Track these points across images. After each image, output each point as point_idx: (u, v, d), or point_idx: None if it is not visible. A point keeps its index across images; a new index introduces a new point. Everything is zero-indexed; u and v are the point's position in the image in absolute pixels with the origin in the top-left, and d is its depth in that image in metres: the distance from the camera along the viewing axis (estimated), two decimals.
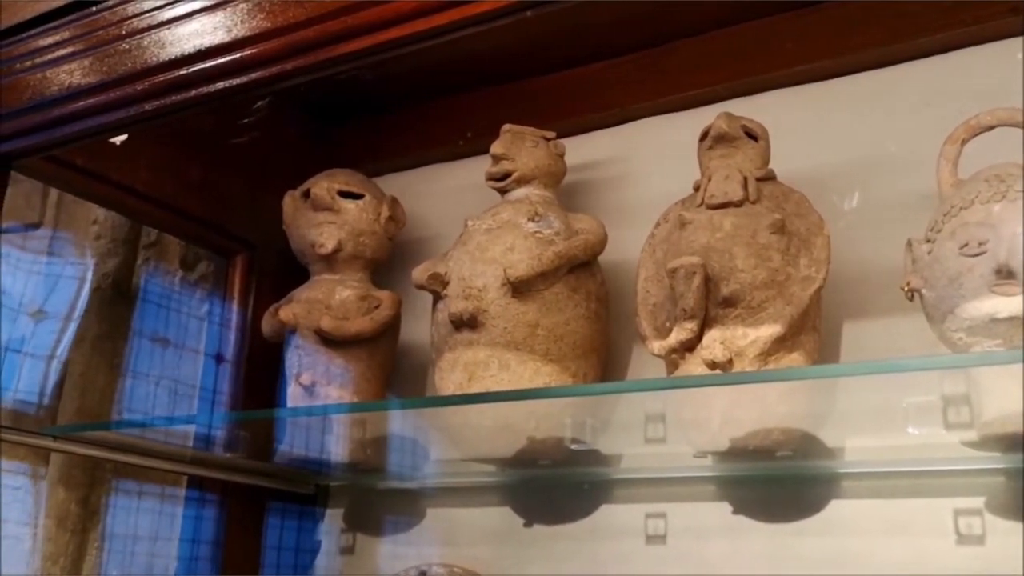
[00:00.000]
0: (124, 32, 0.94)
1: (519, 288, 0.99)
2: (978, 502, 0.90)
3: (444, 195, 1.36)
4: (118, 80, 0.95)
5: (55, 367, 1.31)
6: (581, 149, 1.24)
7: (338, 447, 1.26)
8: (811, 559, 0.97)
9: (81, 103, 0.96)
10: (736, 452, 0.95)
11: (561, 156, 1.13)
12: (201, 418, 1.24)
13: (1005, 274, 0.74)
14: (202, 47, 0.90)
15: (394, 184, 1.36)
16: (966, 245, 0.77)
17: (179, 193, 1.27)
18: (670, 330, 0.90)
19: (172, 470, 1.24)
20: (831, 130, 1.10)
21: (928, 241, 0.82)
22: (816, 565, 0.96)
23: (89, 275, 1.34)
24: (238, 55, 0.88)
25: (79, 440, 1.14)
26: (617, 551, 1.09)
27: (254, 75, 0.90)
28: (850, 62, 1.11)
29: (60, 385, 1.29)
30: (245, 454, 1.28)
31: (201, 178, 1.30)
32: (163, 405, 1.32)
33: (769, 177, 0.96)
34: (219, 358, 1.32)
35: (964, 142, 0.86)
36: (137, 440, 1.17)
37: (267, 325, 1.19)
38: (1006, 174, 0.79)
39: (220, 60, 0.90)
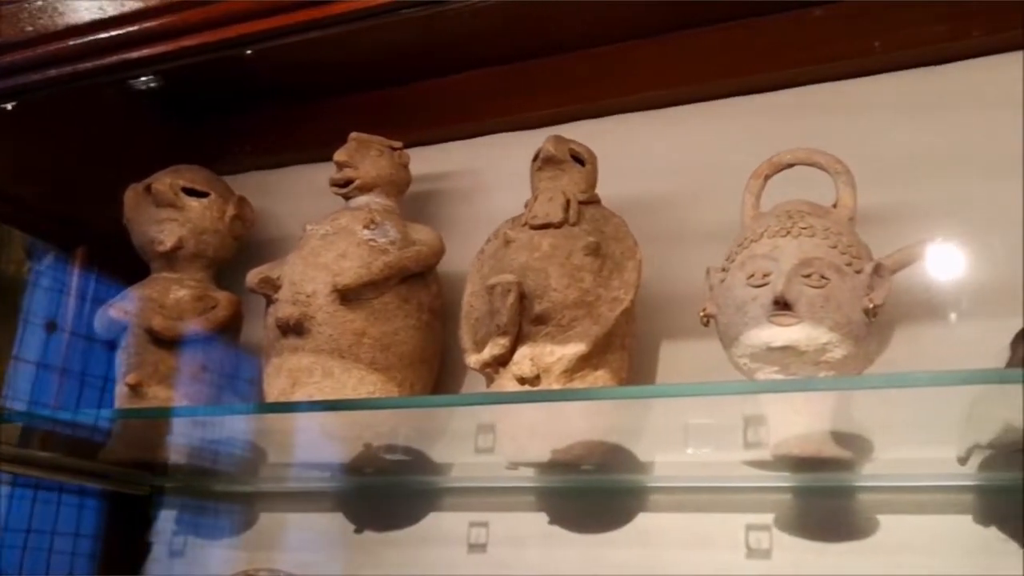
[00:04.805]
0: None
1: (346, 296, 0.99)
2: (767, 518, 0.95)
3: (306, 197, 1.35)
4: None
5: None
6: (435, 159, 1.26)
7: (172, 449, 1.24)
8: (618, 569, 1.01)
9: None
10: (552, 464, 0.98)
11: (405, 166, 1.14)
12: (20, 417, 1.20)
13: (782, 305, 0.78)
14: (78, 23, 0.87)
15: (255, 183, 1.36)
16: (752, 276, 0.81)
17: (19, 180, 1.23)
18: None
19: None
20: (668, 157, 1.14)
21: (723, 270, 0.86)
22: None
23: None
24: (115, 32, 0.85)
25: None
26: (441, 559, 1.11)
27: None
28: (692, 92, 1.16)
29: None
30: (75, 454, 1.25)
31: (44, 166, 1.26)
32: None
33: (593, 201, 1.00)
34: (51, 353, 1.28)
35: (767, 177, 0.91)
36: None
37: (99, 322, 1.16)
38: (795, 211, 0.84)
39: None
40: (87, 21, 0.86)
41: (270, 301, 1.05)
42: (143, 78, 0.93)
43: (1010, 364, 0.82)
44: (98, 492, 1.29)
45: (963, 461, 0.82)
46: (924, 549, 0.89)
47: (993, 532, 0.87)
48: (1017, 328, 0.84)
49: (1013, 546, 0.86)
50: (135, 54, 0.86)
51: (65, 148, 1.28)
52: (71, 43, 0.88)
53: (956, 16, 0.98)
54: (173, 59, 0.85)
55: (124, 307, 1.14)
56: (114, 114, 1.32)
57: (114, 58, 0.85)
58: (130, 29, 0.85)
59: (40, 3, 0.89)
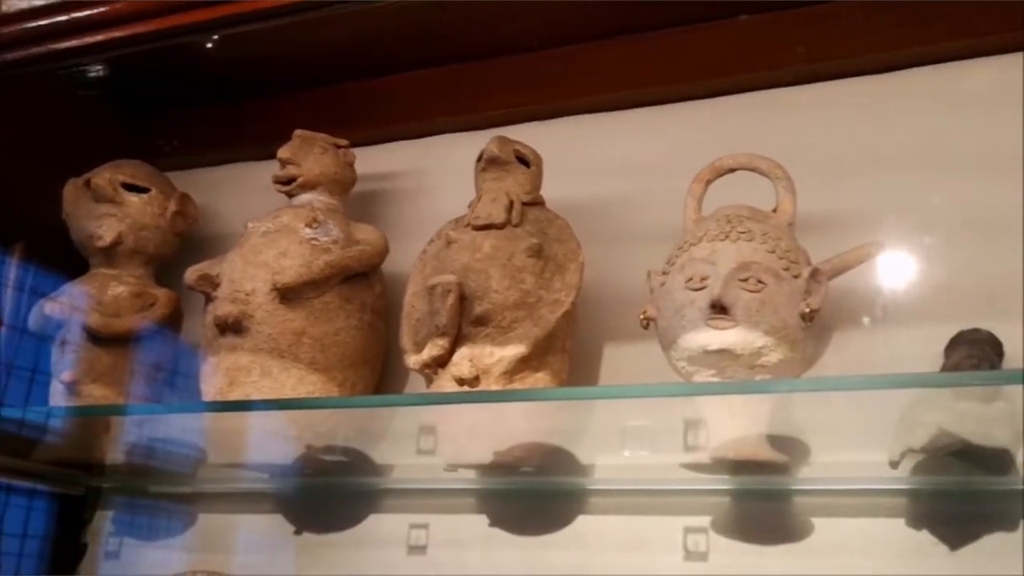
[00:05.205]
0: None
1: (286, 295, 0.98)
2: (705, 521, 0.96)
3: (250, 194, 1.33)
4: None
5: None
6: (382, 159, 1.25)
7: (108, 448, 1.21)
8: (558, 571, 1.00)
9: None
10: (492, 466, 0.97)
11: (350, 164, 1.13)
12: None
13: (718, 309, 0.78)
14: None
15: (198, 179, 1.34)
16: (691, 279, 0.82)
17: None
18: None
19: None
20: (612, 160, 1.14)
21: (664, 273, 0.86)
22: None
23: None
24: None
25: None
26: (381, 560, 1.09)
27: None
28: (638, 96, 1.16)
29: None
30: (7, 452, 1.22)
31: None
32: None
33: (537, 202, 1.00)
34: None
35: (709, 182, 0.91)
36: None
37: (33, 318, 1.13)
38: (734, 215, 0.84)
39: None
40: (15, 11, 0.84)
41: (209, 299, 1.03)
42: (79, 69, 0.91)
43: (944, 369, 0.83)
44: (45, 492, 1.26)
45: (895, 465, 0.83)
46: (858, 551, 0.90)
47: (925, 535, 0.89)
48: (951, 334, 0.86)
49: (943, 548, 0.87)
50: (64, 44, 0.84)
51: (2, 141, 1.25)
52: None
53: (893, 24, 1.00)
54: (105, 49, 0.83)
55: (59, 303, 1.11)
56: (55, 107, 1.29)
57: (43, 48, 0.83)
58: (59, 19, 0.83)
59: None
